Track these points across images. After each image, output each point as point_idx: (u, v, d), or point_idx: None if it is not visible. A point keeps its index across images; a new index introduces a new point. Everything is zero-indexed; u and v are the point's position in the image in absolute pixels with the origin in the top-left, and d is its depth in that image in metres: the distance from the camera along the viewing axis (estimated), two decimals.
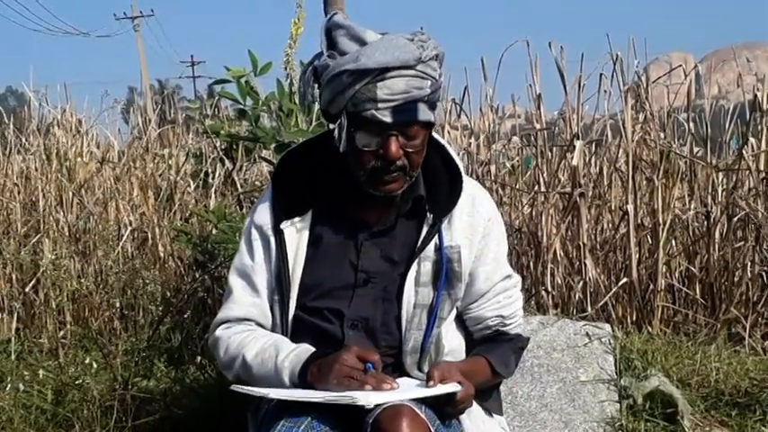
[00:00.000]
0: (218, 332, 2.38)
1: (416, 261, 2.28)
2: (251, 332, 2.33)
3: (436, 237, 2.29)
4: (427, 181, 2.33)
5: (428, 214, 2.30)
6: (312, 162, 2.36)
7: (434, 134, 2.37)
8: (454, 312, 2.38)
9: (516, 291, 2.47)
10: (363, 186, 2.24)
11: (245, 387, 2.22)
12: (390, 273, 2.31)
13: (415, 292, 2.28)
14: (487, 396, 2.45)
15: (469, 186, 2.38)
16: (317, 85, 2.22)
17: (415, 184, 2.30)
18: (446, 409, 2.15)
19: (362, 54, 2.11)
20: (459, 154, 2.47)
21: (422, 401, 2.06)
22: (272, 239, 2.33)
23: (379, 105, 2.12)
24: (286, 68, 3.61)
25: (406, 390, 2.10)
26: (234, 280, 2.39)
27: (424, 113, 2.17)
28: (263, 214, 2.37)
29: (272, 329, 2.35)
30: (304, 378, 2.15)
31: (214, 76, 3.80)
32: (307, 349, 2.22)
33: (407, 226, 2.33)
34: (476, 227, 2.34)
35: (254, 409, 2.37)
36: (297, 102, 3.57)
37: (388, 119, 2.13)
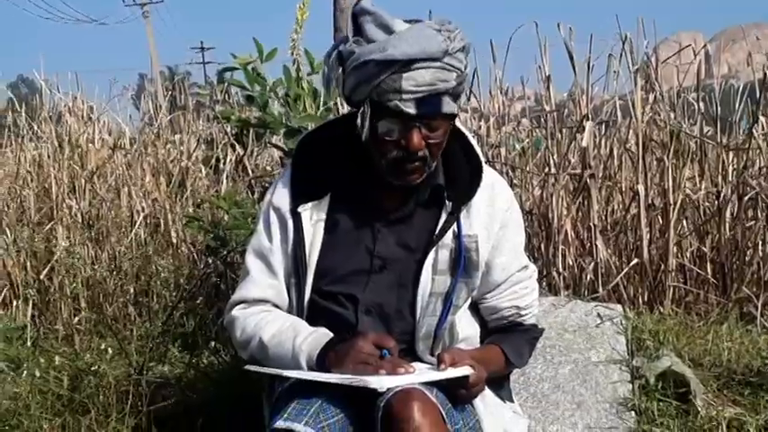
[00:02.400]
0: (235, 312, 2.39)
1: (434, 249, 2.29)
2: (268, 313, 2.35)
3: (454, 225, 2.30)
4: (447, 169, 2.33)
5: (447, 202, 2.31)
6: (331, 146, 2.36)
7: (456, 122, 2.38)
8: (469, 300, 2.39)
9: (532, 281, 2.47)
10: (384, 175, 2.25)
11: (259, 367, 2.25)
12: (406, 259, 2.32)
13: (431, 279, 2.29)
14: (500, 386, 2.47)
15: (489, 176, 2.38)
16: (341, 69, 2.21)
17: (435, 172, 2.30)
18: (459, 392, 2.17)
19: (389, 44, 2.10)
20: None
21: (433, 385, 2.08)
22: (290, 222, 2.34)
23: (404, 96, 2.12)
24: (293, 54, 3.61)
25: (418, 374, 2.11)
26: (251, 260, 2.40)
27: (447, 106, 2.17)
28: (282, 196, 2.38)
29: (288, 312, 2.37)
30: (321, 363, 2.17)
31: (224, 61, 3.80)
32: (325, 333, 2.24)
33: (425, 214, 2.34)
34: (494, 217, 2.35)
35: (269, 392, 2.39)
36: (304, 87, 3.57)
37: (411, 110, 2.13)
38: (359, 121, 2.19)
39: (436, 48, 2.11)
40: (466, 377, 2.15)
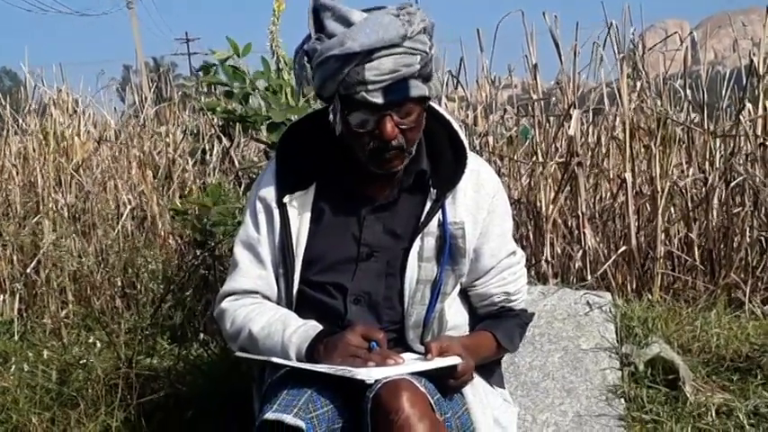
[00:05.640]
0: (225, 304, 2.39)
1: (420, 236, 2.29)
2: (258, 305, 2.34)
3: (440, 212, 2.30)
4: (431, 155, 2.33)
5: (432, 189, 2.31)
6: (315, 136, 2.35)
7: (440, 109, 2.37)
8: (458, 288, 2.38)
9: (521, 267, 2.47)
10: (366, 165, 2.24)
11: (250, 355, 2.25)
12: (394, 247, 2.31)
13: (418, 266, 2.29)
14: (490, 372, 2.47)
15: (474, 162, 2.37)
16: (309, 67, 2.21)
17: (418, 157, 2.29)
18: (448, 381, 2.17)
19: (347, 37, 2.10)
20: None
21: (422, 375, 2.08)
22: (276, 213, 2.34)
23: (369, 87, 2.11)
24: (271, 46, 3.59)
25: (406, 364, 2.11)
26: (240, 252, 2.39)
27: (416, 89, 2.16)
28: (267, 187, 2.37)
29: (277, 302, 2.36)
30: (310, 356, 2.17)
31: (209, 52, 3.77)
32: (314, 326, 2.24)
33: (410, 200, 2.33)
34: (480, 203, 2.34)
35: (259, 382, 2.39)
36: (284, 78, 3.55)
37: (379, 99, 2.13)
38: (331, 116, 2.20)
39: (394, 34, 2.10)
40: (454, 366, 2.15)
